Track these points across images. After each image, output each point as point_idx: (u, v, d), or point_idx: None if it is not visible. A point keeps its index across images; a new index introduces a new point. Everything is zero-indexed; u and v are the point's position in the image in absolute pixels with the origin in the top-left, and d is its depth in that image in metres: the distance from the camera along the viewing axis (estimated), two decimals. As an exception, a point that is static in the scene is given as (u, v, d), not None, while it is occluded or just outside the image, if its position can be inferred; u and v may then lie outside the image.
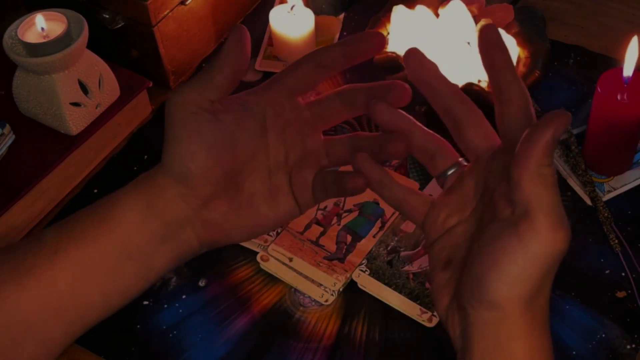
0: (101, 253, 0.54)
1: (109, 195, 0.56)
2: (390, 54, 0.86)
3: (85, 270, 0.54)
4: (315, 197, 0.56)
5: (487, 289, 0.46)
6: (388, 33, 0.88)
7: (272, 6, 0.95)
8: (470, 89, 0.80)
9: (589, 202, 0.79)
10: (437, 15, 0.86)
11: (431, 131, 0.53)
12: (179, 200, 0.54)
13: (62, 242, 0.54)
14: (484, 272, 0.46)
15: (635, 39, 0.75)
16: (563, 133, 0.45)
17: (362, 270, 0.75)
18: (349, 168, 0.53)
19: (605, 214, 0.77)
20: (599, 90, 0.75)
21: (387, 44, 0.87)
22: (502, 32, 0.83)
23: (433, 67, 0.51)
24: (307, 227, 0.78)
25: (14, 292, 0.53)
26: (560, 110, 0.45)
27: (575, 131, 0.83)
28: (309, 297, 0.74)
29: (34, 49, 0.78)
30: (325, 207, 0.80)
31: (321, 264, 0.76)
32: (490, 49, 0.49)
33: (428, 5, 0.86)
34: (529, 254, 0.45)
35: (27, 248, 0.55)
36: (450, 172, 0.52)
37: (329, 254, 0.77)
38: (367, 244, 0.77)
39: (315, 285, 0.75)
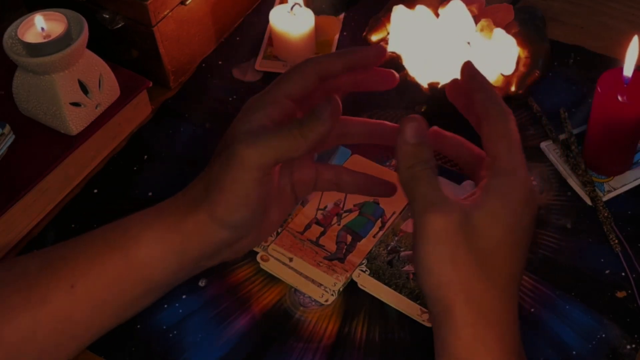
0: (121, 289, 0.55)
1: (124, 226, 0.55)
2: (390, 54, 0.86)
3: (104, 304, 0.55)
4: (317, 186, 0.61)
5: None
6: (388, 33, 0.88)
7: (272, 6, 0.95)
8: (470, 89, 0.80)
9: (589, 202, 0.79)
10: (437, 15, 0.86)
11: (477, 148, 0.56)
12: (217, 240, 0.55)
13: (79, 275, 0.54)
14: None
15: (635, 38, 0.75)
16: None
17: (362, 270, 0.75)
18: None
19: (605, 214, 0.77)
20: (599, 90, 0.75)
21: (387, 43, 0.87)
22: (501, 32, 0.83)
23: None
24: (307, 227, 0.78)
25: (28, 322, 0.54)
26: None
27: (575, 131, 0.83)
28: (309, 297, 0.74)
29: (34, 49, 0.78)
30: (325, 207, 0.79)
31: (321, 264, 0.76)
32: (473, 81, 0.54)
33: (428, 5, 0.86)
34: None
35: (38, 274, 0.55)
36: None
37: (329, 254, 0.77)
38: (367, 244, 0.77)
39: (315, 285, 0.75)
